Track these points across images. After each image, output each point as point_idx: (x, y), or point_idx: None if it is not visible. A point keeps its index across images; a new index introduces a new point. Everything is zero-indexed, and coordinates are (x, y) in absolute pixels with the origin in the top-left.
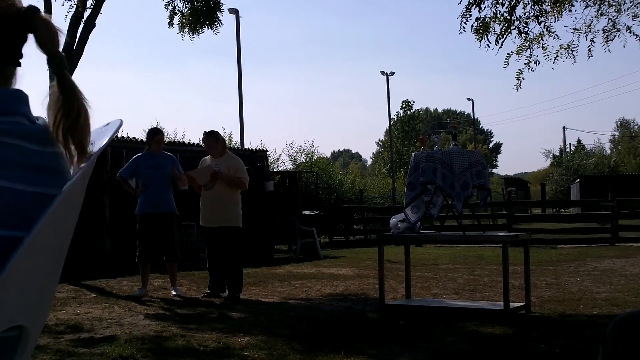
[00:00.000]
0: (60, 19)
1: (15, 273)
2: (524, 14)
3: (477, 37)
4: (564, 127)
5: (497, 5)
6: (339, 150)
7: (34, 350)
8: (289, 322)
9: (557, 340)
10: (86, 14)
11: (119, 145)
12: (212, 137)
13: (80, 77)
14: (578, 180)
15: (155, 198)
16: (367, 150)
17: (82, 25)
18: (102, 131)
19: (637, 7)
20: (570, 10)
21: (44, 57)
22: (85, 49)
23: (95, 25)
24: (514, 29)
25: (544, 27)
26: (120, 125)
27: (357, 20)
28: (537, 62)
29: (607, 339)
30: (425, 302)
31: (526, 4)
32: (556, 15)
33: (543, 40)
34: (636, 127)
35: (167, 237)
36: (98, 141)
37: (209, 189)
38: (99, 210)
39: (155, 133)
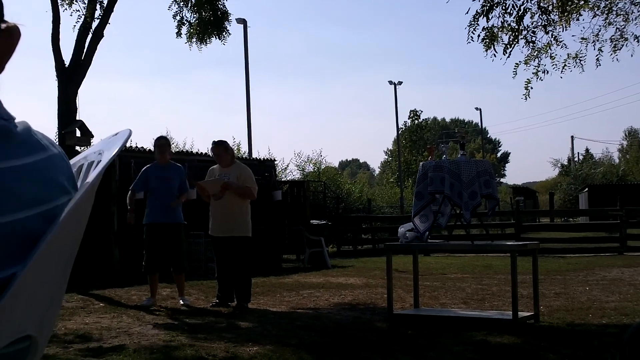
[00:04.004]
0: (69, 29)
1: (24, 284)
2: (532, 24)
3: (485, 46)
4: (572, 137)
5: (505, 15)
6: (347, 159)
7: None
8: (297, 332)
9: (566, 350)
10: (94, 24)
11: (127, 155)
12: (221, 146)
13: (89, 87)
14: (586, 189)
15: (162, 209)
16: (375, 159)
17: (90, 35)
18: (110, 141)
19: None
20: (577, 20)
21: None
22: (93, 59)
23: (103, 36)
24: (521, 38)
25: (552, 37)
26: (130, 135)
27: (364, 31)
28: (546, 72)
29: (625, 344)
30: (434, 312)
31: (534, 13)
32: (564, 24)
33: (551, 50)
34: None
35: (175, 247)
36: (107, 151)
37: (218, 198)
38: (107, 220)
39: (155, 140)
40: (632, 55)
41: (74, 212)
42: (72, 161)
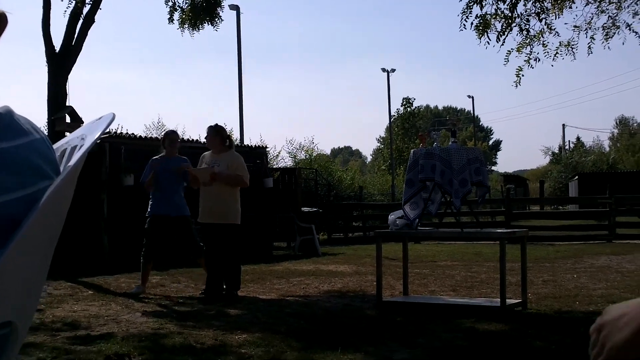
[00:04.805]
0: (59, 14)
1: (5, 269)
2: (525, 11)
3: (478, 34)
4: (563, 125)
5: (498, 2)
6: (339, 147)
7: (30, 348)
8: (287, 319)
9: (553, 337)
10: (85, 9)
11: (117, 142)
12: (211, 130)
13: (80, 74)
14: (576, 177)
15: (168, 201)
16: (367, 147)
17: (81, 21)
18: (93, 125)
19: (638, 5)
20: (570, 7)
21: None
22: (84, 45)
23: (94, 21)
24: (514, 26)
25: (545, 24)
26: (113, 119)
27: (357, 18)
28: (537, 59)
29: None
30: (423, 299)
31: (527, 1)
32: (557, 12)
33: (543, 38)
34: (635, 124)
35: (188, 238)
36: (90, 135)
37: (207, 185)
38: (97, 207)
39: (167, 135)
40: (623, 44)
41: (54, 196)
42: (55, 146)
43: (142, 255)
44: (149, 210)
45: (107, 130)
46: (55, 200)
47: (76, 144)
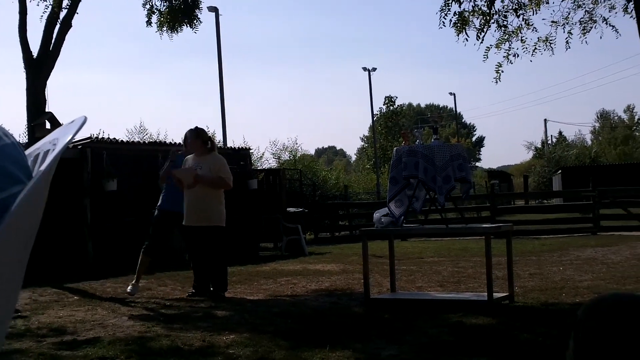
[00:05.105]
0: (36, 20)
1: None
2: (503, 8)
3: (456, 31)
4: (545, 120)
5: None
6: (323, 147)
7: (16, 355)
8: (274, 319)
9: (540, 329)
10: (62, 14)
11: (99, 147)
12: (191, 133)
13: (59, 78)
14: (560, 171)
15: (179, 197)
16: (351, 146)
17: (58, 26)
18: (65, 129)
19: None
20: (547, 3)
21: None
22: (62, 49)
23: (71, 26)
24: (493, 22)
25: (523, 20)
26: (84, 122)
27: (337, 17)
28: (516, 55)
29: (578, 323)
30: (410, 295)
31: None
32: (534, 8)
33: (522, 33)
34: (616, 118)
35: None
36: (62, 138)
37: (191, 187)
38: (80, 213)
39: (187, 132)
40: (601, 37)
41: (27, 200)
42: (27, 151)
43: (144, 247)
44: (159, 203)
45: (88, 135)
46: (28, 204)
47: (48, 149)
